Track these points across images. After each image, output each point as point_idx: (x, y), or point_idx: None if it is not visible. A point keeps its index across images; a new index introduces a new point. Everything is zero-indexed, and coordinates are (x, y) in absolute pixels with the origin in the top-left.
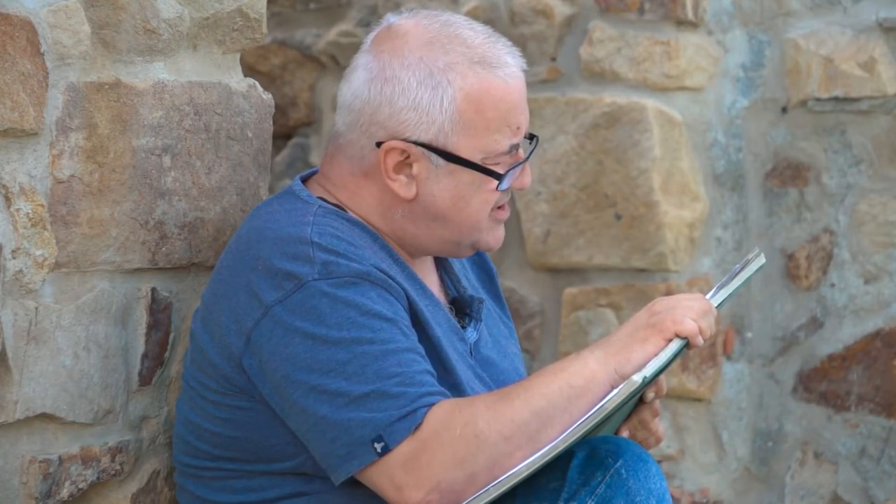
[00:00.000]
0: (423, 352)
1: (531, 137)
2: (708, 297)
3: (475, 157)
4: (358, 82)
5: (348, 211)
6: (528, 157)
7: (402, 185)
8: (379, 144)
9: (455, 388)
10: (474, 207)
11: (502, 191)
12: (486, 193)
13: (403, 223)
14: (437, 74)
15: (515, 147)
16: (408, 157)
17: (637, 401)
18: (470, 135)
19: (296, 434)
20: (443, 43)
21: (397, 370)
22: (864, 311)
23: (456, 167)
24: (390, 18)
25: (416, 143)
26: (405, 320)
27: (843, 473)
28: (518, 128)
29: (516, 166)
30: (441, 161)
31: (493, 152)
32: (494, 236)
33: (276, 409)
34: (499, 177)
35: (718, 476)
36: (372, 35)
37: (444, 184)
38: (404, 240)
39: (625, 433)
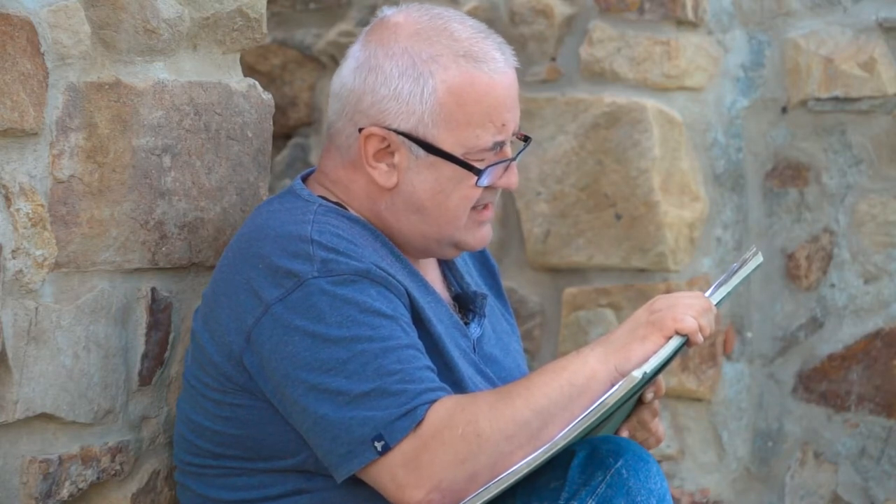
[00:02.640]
0: (423, 348)
1: (526, 139)
2: (706, 295)
3: (456, 151)
4: (345, 71)
5: (348, 209)
6: (514, 157)
7: (382, 174)
8: (361, 131)
9: (457, 385)
10: (453, 202)
11: (483, 188)
12: (466, 189)
13: (387, 216)
14: (420, 65)
15: (500, 144)
16: (388, 145)
17: (637, 401)
18: (451, 128)
19: (298, 431)
20: (429, 35)
21: (397, 367)
22: (864, 311)
23: (436, 159)
24: (385, 11)
25: (395, 131)
26: (405, 317)
27: (843, 473)
28: (503, 125)
29: (497, 164)
30: (421, 152)
31: (475, 147)
32: (476, 237)
33: (278, 406)
34: (478, 172)
35: (718, 476)
36: (367, 28)
37: (423, 175)
38: (391, 235)
39: (624, 434)
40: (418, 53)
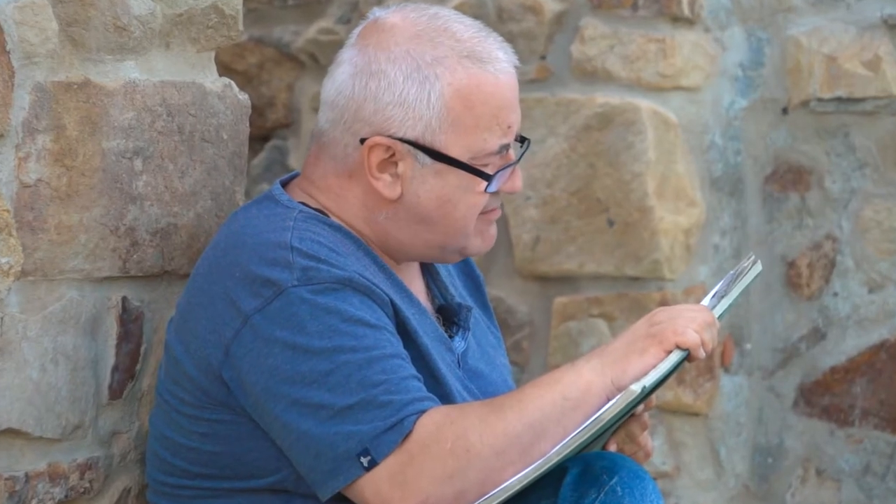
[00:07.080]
0: (408, 357)
1: (522, 140)
2: (704, 305)
3: (463, 157)
4: (342, 77)
5: (331, 216)
6: (518, 160)
7: (385, 185)
8: (363, 141)
9: (445, 399)
10: (461, 212)
11: (491, 194)
12: (474, 196)
13: (387, 226)
14: (425, 68)
15: (505, 147)
16: (392, 154)
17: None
18: (458, 132)
19: (280, 448)
20: (431, 36)
21: (382, 378)
22: (869, 321)
23: (443, 167)
24: (377, 12)
25: (401, 139)
26: (389, 327)
27: (846, 491)
28: (509, 127)
29: (506, 168)
30: (428, 160)
31: (482, 152)
32: (484, 239)
33: (259, 422)
34: (487, 178)
35: (716, 494)
36: (358, 29)
37: (430, 184)
38: (388, 244)
39: (612, 447)
40: (421, 55)
